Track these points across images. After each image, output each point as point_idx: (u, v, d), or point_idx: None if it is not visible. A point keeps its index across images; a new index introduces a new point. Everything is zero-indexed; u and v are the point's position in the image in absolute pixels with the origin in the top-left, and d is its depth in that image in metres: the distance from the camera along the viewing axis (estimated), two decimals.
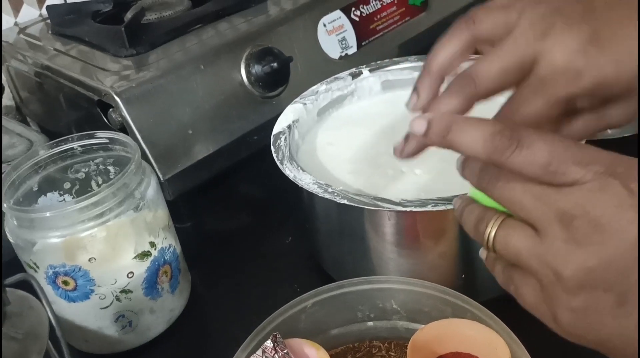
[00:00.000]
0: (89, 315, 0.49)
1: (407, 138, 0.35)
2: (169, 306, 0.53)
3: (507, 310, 0.42)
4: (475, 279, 0.48)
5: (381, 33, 0.77)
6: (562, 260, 0.26)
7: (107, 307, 0.49)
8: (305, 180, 0.47)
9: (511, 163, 0.27)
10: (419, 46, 0.80)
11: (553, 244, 0.26)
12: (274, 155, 0.51)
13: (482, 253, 0.33)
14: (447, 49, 0.35)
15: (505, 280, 0.31)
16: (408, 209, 0.42)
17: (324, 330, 0.48)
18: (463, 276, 0.48)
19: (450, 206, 0.41)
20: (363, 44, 0.75)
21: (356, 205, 0.43)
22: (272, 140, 0.53)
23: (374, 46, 0.76)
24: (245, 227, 0.66)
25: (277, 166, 0.51)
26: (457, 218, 0.33)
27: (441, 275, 0.48)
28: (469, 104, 0.34)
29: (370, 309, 0.48)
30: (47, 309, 0.34)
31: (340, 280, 0.53)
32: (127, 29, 0.65)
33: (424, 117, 0.31)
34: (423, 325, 0.45)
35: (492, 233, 0.29)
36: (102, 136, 0.53)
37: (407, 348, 0.44)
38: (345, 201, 0.44)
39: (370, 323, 0.48)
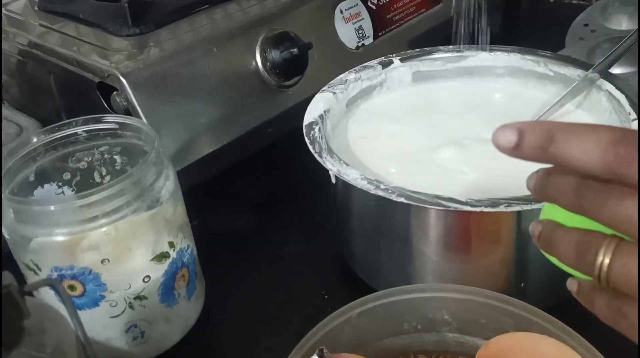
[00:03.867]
0: (97, 324, 0.43)
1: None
2: (185, 314, 0.47)
3: (573, 320, 0.39)
4: (535, 287, 0.44)
5: (397, 24, 0.73)
6: None
7: (118, 316, 0.43)
8: (352, 175, 0.42)
9: (633, 176, 0.23)
10: (434, 40, 0.76)
11: None
12: (310, 147, 0.46)
13: (572, 285, 0.28)
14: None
15: (612, 314, 0.26)
16: (478, 209, 0.38)
17: (366, 343, 0.43)
18: (522, 285, 0.44)
19: (525, 207, 0.37)
20: (380, 34, 0.71)
21: (419, 204, 0.39)
22: (304, 131, 0.48)
23: (390, 38, 0.72)
24: (258, 227, 0.60)
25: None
26: (543, 246, 0.28)
27: (497, 282, 0.43)
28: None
29: (418, 320, 0.43)
30: (76, 324, 0.28)
31: (373, 283, 0.48)
32: (130, 5, 0.58)
33: (511, 126, 0.25)
34: (475, 338, 0.41)
35: (607, 261, 0.25)
36: (111, 120, 0.47)
37: None
38: (402, 200, 0.39)
39: (416, 335, 0.44)
